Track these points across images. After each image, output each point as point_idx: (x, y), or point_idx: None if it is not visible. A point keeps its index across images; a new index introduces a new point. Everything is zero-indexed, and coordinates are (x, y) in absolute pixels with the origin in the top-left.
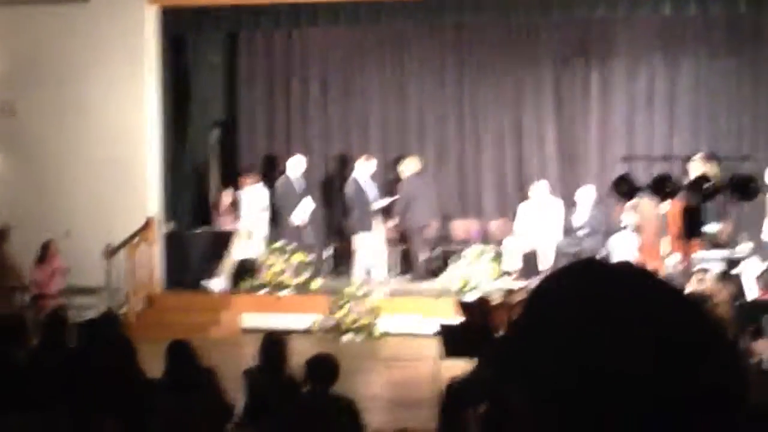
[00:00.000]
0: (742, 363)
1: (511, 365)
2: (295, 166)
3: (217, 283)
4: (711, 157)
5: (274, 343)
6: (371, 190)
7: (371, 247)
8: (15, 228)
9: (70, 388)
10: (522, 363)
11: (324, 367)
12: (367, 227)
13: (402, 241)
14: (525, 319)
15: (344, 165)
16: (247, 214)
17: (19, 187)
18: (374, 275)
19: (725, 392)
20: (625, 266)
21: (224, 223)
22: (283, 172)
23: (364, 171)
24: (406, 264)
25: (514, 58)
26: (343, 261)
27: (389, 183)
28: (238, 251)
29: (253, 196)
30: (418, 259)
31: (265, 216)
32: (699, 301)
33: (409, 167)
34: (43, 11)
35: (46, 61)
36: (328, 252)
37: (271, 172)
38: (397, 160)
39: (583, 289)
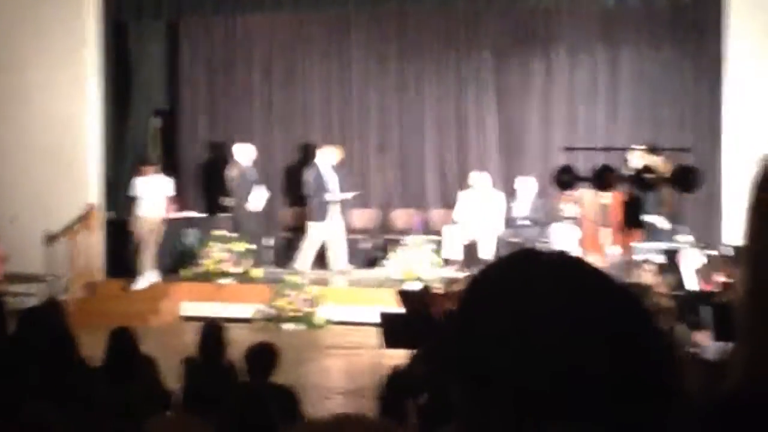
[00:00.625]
0: (676, 353)
1: (448, 356)
2: (246, 154)
3: (145, 281)
4: (652, 148)
5: (212, 331)
6: (332, 179)
7: (327, 237)
8: None
9: (9, 375)
10: (458, 353)
11: (264, 356)
12: (321, 217)
13: None
14: (462, 310)
15: (290, 153)
16: (147, 202)
17: None
18: (333, 266)
19: (658, 381)
20: (562, 256)
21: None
22: (225, 160)
23: (324, 159)
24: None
25: (456, 47)
26: (292, 250)
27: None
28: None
29: (156, 184)
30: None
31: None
32: (637, 291)
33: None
34: None
35: None
36: (269, 241)
37: (216, 159)
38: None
39: (520, 279)
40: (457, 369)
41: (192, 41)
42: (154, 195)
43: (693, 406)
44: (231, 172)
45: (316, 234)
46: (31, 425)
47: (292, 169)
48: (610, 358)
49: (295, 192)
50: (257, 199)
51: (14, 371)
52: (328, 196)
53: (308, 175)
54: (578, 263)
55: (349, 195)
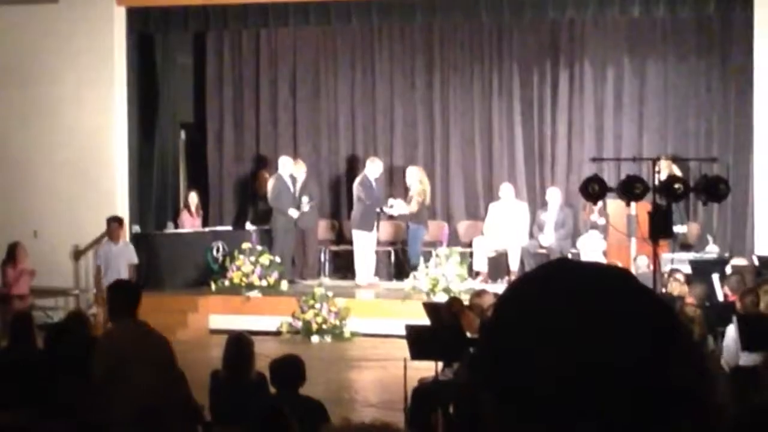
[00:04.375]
0: (707, 365)
1: (483, 368)
2: (286, 166)
3: None
4: (680, 158)
5: (238, 343)
6: (379, 191)
7: (369, 247)
8: None
9: (37, 389)
10: (493, 366)
11: (290, 369)
12: (369, 227)
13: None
14: (496, 321)
15: (315, 166)
16: (113, 273)
17: None
18: (362, 278)
19: (692, 392)
20: (598, 266)
21: (190, 225)
22: (254, 173)
23: (373, 171)
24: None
25: (483, 60)
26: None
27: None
28: None
29: (121, 252)
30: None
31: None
32: (669, 302)
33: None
34: (11, 11)
35: (14, 61)
36: (319, 255)
37: (244, 172)
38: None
39: (555, 290)
40: (491, 380)
41: (218, 54)
42: (118, 264)
43: (727, 415)
44: (272, 184)
45: (363, 243)
46: None
47: (325, 181)
48: (646, 368)
49: (334, 204)
50: (302, 208)
51: (43, 384)
52: (385, 209)
53: (360, 187)
54: (615, 272)
55: (401, 210)
